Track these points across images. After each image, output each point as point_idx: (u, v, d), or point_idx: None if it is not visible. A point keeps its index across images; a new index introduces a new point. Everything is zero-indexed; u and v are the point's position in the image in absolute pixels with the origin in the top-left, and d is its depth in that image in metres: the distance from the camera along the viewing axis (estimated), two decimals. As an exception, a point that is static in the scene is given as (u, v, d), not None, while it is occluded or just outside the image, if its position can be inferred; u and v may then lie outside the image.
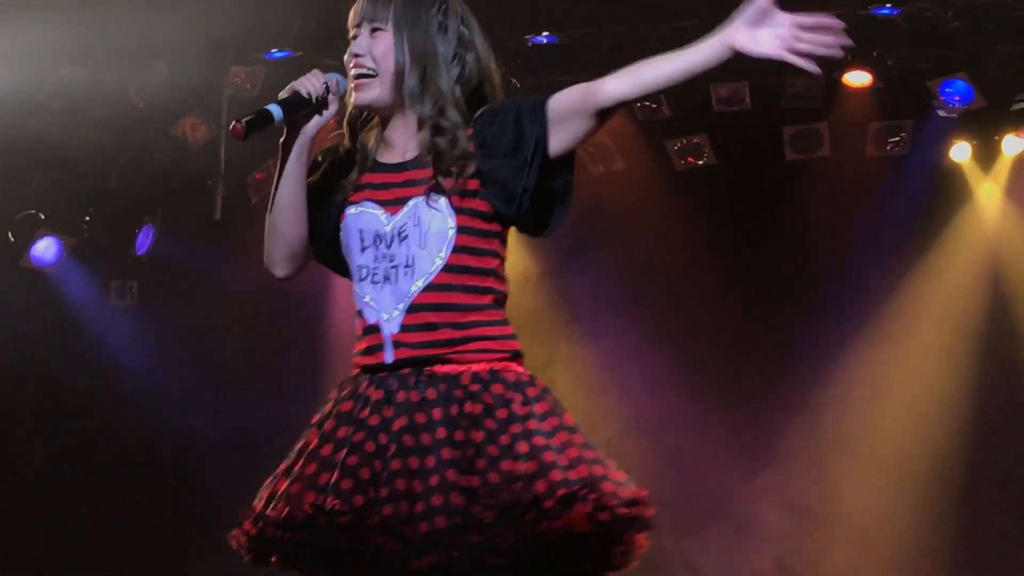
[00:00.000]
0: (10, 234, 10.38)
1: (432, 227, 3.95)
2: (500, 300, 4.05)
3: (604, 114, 3.98)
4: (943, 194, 10.05)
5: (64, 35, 9.10)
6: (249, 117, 3.98)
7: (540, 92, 10.16)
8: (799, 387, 10.20)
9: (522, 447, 3.80)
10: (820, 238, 10.13)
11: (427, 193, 3.97)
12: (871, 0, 9.19)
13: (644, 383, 10.39)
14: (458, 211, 3.96)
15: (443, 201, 3.96)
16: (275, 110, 3.99)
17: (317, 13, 9.06)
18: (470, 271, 3.97)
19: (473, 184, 3.97)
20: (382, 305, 3.98)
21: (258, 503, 4.00)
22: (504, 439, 3.81)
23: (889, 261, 10.12)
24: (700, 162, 10.20)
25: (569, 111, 3.97)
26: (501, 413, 3.85)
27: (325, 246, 4.17)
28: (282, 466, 4.02)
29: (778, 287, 10.29)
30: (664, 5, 9.42)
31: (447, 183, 3.96)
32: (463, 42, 4.06)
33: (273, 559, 3.91)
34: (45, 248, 10.41)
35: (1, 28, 8.84)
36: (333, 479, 3.83)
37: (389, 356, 3.96)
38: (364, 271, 4.03)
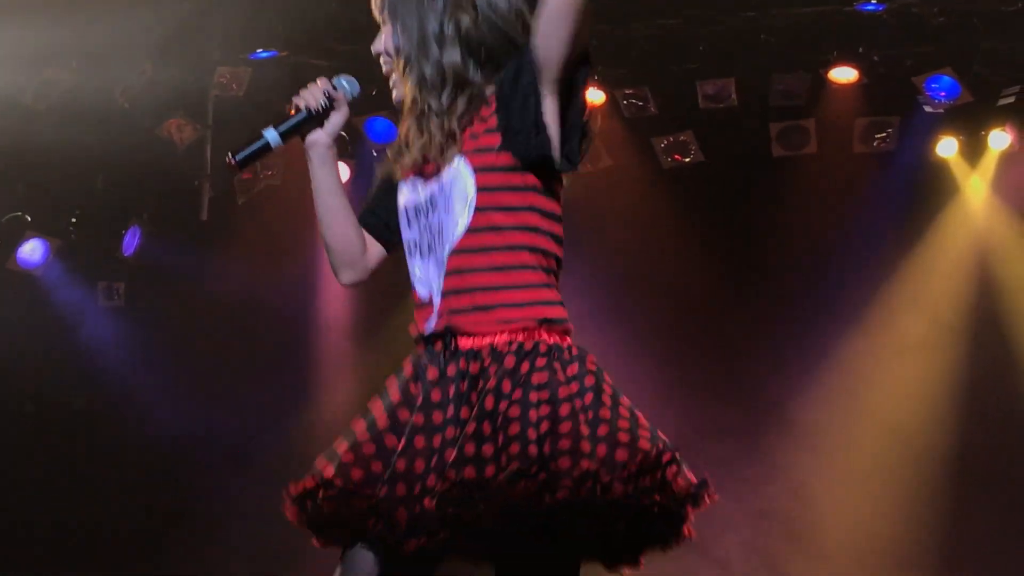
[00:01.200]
0: (-4, 236, 10.38)
1: (454, 191, 3.90)
2: (540, 256, 3.94)
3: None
4: (930, 190, 10.06)
5: (48, 37, 9.08)
6: (243, 151, 3.97)
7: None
8: (787, 383, 10.20)
9: (513, 413, 3.72)
10: (807, 235, 10.14)
11: (450, 159, 3.91)
12: (857, -4, 9.21)
13: (626, 379, 10.35)
14: (477, 170, 3.89)
15: (462, 163, 3.90)
16: (271, 136, 3.97)
17: (302, 13, 9.05)
18: (496, 229, 3.88)
19: (492, 140, 3.89)
20: (429, 277, 3.95)
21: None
22: (514, 411, 3.73)
23: (876, 257, 10.13)
24: (687, 159, 10.20)
25: (543, 29, 3.84)
26: (507, 386, 3.77)
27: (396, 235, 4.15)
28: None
29: (765, 283, 10.29)
30: (650, 3, 9.42)
31: (471, 143, 3.91)
32: (459, 4, 3.95)
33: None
34: (32, 250, 10.40)
35: (-15, 31, 8.83)
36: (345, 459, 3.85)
37: (430, 326, 3.92)
38: (412, 245, 4.01)
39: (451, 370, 3.84)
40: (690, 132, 10.10)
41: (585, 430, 3.75)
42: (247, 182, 10.25)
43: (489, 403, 3.75)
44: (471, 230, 3.88)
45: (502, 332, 3.84)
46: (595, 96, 9.79)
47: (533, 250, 3.92)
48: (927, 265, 10.14)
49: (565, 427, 3.73)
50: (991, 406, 9.96)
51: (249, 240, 10.36)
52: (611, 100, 9.85)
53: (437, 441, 3.77)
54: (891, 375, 10.20)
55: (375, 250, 4.19)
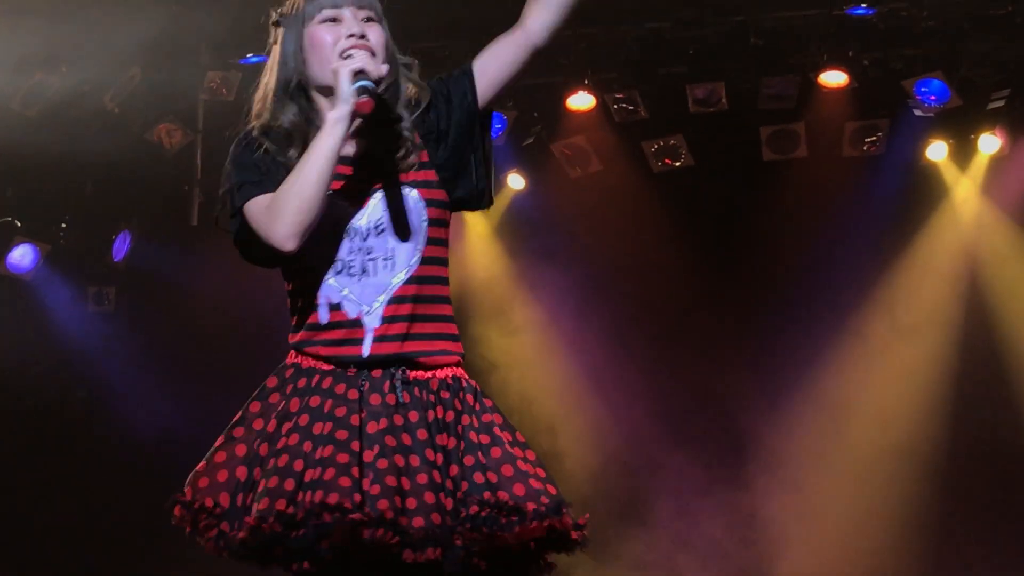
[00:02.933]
0: (-14, 242, 10.36)
1: (410, 219, 3.94)
2: (449, 288, 4.06)
3: (538, 52, 4.00)
4: (920, 193, 10.06)
5: (38, 42, 9.07)
6: (367, 94, 3.82)
7: (515, 93, 10.01)
8: (777, 383, 10.20)
9: (495, 452, 3.87)
10: (798, 237, 10.14)
11: (398, 185, 3.95)
12: (846, 0, 9.20)
13: (616, 380, 10.39)
14: (428, 203, 3.97)
15: (415, 193, 3.96)
16: (370, 85, 3.84)
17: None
18: (440, 262, 4.00)
19: (431, 174, 3.98)
20: (362, 298, 3.94)
21: (208, 498, 3.93)
22: (476, 445, 3.89)
23: (867, 260, 10.13)
24: (677, 163, 10.20)
25: (499, 62, 4.01)
26: (465, 420, 3.92)
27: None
28: (223, 454, 3.97)
29: (755, 286, 10.29)
30: (640, 5, 9.41)
31: (414, 175, 3.96)
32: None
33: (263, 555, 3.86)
34: (22, 255, 10.38)
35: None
36: (328, 476, 3.79)
37: (366, 350, 3.94)
38: (339, 264, 3.97)
39: (407, 397, 3.90)
40: (680, 136, 10.09)
41: (523, 465, 3.94)
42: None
43: (473, 437, 3.90)
44: (424, 260, 3.96)
45: (442, 367, 3.96)
46: (585, 100, 9.78)
47: (448, 283, 4.05)
48: (918, 267, 10.14)
49: (519, 463, 3.92)
50: (982, 409, 9.96)
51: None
52: (601, 104, 9.84)
53: (416, 461, 3.83)
54: (879, 377, 10.20)
55: None
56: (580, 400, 10.47)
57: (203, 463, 3.98)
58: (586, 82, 9.72)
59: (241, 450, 3.95)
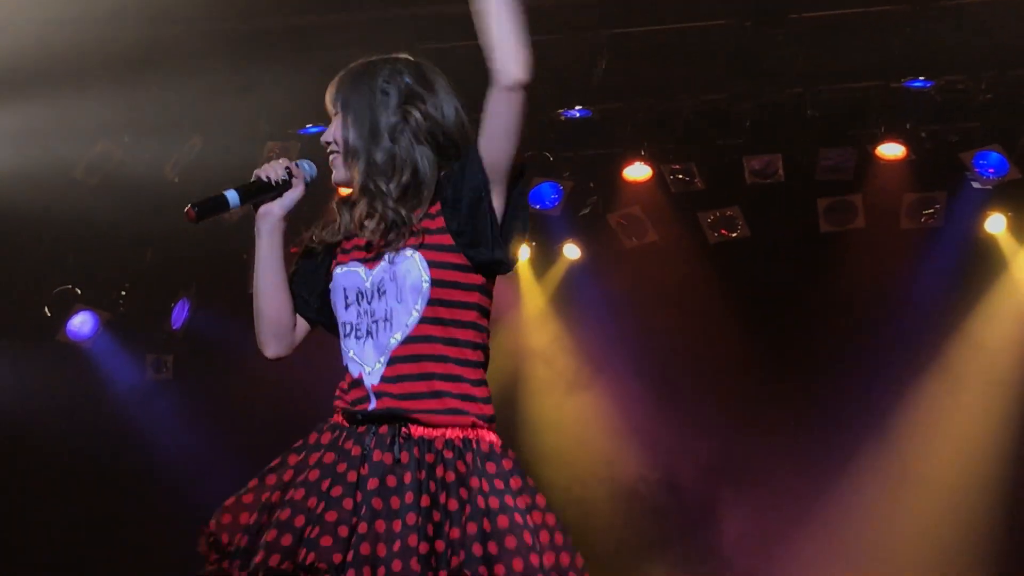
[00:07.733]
0: (47, 309, 10.44)
1: (408, 281, 4.01)
2: (479, 352, 4.07)
3: (517, 86, 3.89)
4: (978, 265, 10.02)
5: (100, 112, 9.17)
6: (202, 202, 4.12)
7: (573, 166, 10.02)
8: (833, 455, 10.14)
9: (502, 521, 3.85)
10: (855, 310, 10.11)
11: (401, 248, 4.03)
12: (904, 73, 9.19)
13: (667, 449, 10.36)
14: (432, 264, 4.01)
15: (417, 255, 4.02)
16: (231, 196, 4.13)
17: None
18: (446, 323, 4.01)
19: (446, 239, 4.03)
20: (364, 359, 4.06)
21: (225, 534, 4.06)
22: (482, 511, 3.86)
23: (925, 332, 10.08)
24: (734, 234, 10.19)
25: (493, 120, 3.96)
26: (475, 483, 3.90)
27: (323, 310, 4.25)
28: (251, 496, 4.09)
29: (811, 358, 10.25)
30: (695, 79, 9.45)
31: (425, 239, 4.03)
32: (410, 98, 4.12)
33: None
34: (81, 323, 10.47)
35: (37, 105, 8.91)
36: (314, 534, 3.87)
37: (372, 404, 4.02)
38: (348, 327, 4.11)
39: (405, 457, 3.94)
40: (736, 207, 10.09)
41: (531, 538, 3.89)
42: (295, 256, 10.27)
43: (481, 502, 3.87)
44: (423, 320, 4.00)
45: (453, 426, 3.96)
46: (642, 171, 9.80)
47: (475, 347, 4.05)
48: (976, 340, 10.08)
49: (526, 535, 3.88)
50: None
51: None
52: (657, 175, 9.86)
53: (398, 526, 3.85)
54: (937, 452, 10.13)
55: (301, 326, 4.33)
56: (630, 467, 10.45)
57: (232, 499, 4.11)
58: (643, 153, 9.74)
59: (264, 496, 4.05)
